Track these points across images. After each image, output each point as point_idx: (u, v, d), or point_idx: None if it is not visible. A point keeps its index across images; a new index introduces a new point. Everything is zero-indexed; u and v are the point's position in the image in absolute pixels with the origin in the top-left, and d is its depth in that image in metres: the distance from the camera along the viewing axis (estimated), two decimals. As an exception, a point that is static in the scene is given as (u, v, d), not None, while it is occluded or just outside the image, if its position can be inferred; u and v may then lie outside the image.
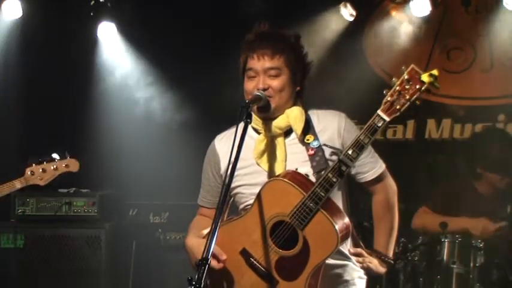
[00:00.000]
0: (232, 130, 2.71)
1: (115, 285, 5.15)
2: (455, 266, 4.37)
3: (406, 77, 2.53)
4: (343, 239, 2.70)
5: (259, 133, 2.90)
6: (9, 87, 5.86)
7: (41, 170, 3.99)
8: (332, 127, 2.88)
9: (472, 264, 4.36)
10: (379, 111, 2.59)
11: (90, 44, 6.05)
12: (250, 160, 2.86)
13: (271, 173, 2.83)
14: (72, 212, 5.15)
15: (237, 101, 2.70)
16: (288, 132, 2.87)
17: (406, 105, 2.56)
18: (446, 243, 4.43)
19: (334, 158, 2.71)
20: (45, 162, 4.01)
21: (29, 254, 5.05)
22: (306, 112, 2.89)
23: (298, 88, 2.89)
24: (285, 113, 2.85)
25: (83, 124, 5.92)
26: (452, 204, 4.70)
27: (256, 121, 2.87)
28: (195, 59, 5.89)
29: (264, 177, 2.83)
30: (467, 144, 5.42)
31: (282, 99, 2.83)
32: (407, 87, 2.54)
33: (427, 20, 5.90)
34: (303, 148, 2.83)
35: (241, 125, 2.62)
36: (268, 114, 2.83)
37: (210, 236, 2.36)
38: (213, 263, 2.63)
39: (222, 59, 5.85)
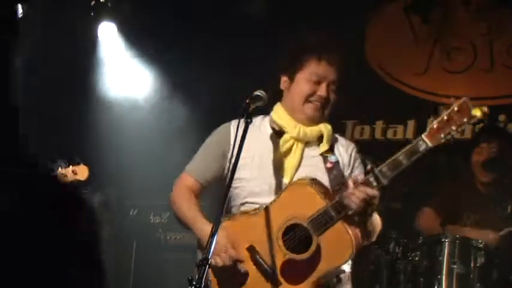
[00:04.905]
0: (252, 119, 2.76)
1: (115, 285, 5.15)
2: (455, 266, 4.37)
3: (456, 108, 2.57)
4: (356, 251, 2.70)
5: (277, 132, 2.91)
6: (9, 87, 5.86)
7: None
8: (347, 154, 2.95)
9: (472, 264, 4.35)
10: (423, 136, 2.63)
11: (90, 44, 6.05)
12: (256, 154, 2.88)
13: (278, 175, 2.85)
14: (73, 212, 5.15)
15: (239, 101, 2.70)
16: (309, 142, 2.92)
17: (451, 135, 2.59)
18: (446, 243, 4.42)
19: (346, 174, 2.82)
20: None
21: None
22: None
23: None
24: (319, 125, 2.90)
25: (82, 124, 5.92)
26: (454, 204, 4.70)
27: (287, 120, 2.89)
28: (196, 59, 5.89)
29: (273, 180, 2.83)
30: (467, 144, 5.41)
31: (329, 112, 2.91)
32: (455, 118, 2.57)
33: (427, 20, 5.90)
34: (319, 161, 2.88)
35: (242, 125, 2.64)
36: (308, 120, 2.87)
37: (211, 236, 2.36)
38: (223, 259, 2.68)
39: (223, 59, 5.88)
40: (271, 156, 2.87)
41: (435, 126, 2.58)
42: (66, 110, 5.92)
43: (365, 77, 5.84)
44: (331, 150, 2.91)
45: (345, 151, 2.96)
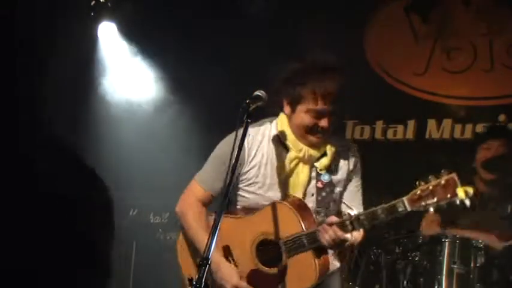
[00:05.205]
0: (262, 128, 2.92)
1: (115, 285, 5.14)
2: (455, 266, 4.37)
3: (442, 182, 2.59)
4: (319, 281, 2.82)
5: (287, 148, 2.95)
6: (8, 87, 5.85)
7: None
8: (346, 155, 3.01)
9: (472, 265, 4.35)
10: (404, 199, 2.65)
11: (90, 44, 6.05)
12: (268, 169, 2.92)
13: (285, 192, 2.92)
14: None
15: (239, 103, 2.71)
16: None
17: (431, 206, 2.61)
18: (446, 243, 4.42)
19: (338, 191, 2.91)
20: None
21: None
22: None
23: None
24: (325, 148, 2.93)
25: (82, 124, 5.92)
26: (457, 216, 4.70)
27: (293, 141, 2.92)
28: (196, 59, 5.89)
29: (278, 192, 2.91)
30: (468, 144, 5.41)
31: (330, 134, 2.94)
32: (439, 191, 2.60)
33: (427, 20, 5.90)
34: (315, 173, 2.93)
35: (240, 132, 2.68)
36: (315, 142, 2.90)
37: (210, 237, 2.38)
38: None
39: (223, 60, 5.88)
40: (277, 171, 2.93)
41: (418, 192, 2.63)
42: (65, 109, 5.92)
43: (365, 76, 5.84)
44: (329, 167, 2.95)
45: (350, 157, 3.02)
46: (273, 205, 2.84)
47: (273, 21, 5.92)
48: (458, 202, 2.57)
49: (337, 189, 2.94)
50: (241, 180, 2.94)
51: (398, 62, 6.07)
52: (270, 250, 2.83)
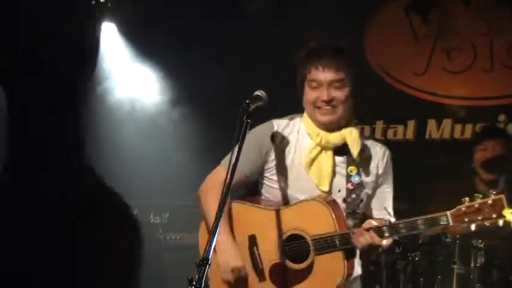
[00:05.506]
0: (291, 122, 2.93)
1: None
2: (455, 266, 4.37)
3: (490, 202, 2.61)
4: (342, 282, 2.78)
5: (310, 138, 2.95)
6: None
7: None
8: (377, 158, 2.98)
9: (472, 265, 4.36)
10: (448, 213, 2.68)
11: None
12: (296, 163, 2.92)
13: (315, 183, 2.89)
14: (73, 212, 5.15)
15: (239, 102, 2.71)
16: (339, 151, 2.92)
17: (475, 223, 2.63)
18: (446, 243, 4.43)
19: (370, 192, 2.88)
20: None
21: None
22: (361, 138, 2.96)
23: (355, 101, 2.95)
24: (342, 130, 2.90)
25: (82, 124, 5.91)
26: (453, 205, 4.70)
27: (311, 128, 2.92)
28: (196, 60, 5.89)
29: (308, 185, 2.88)
30: (468, 145, 5.41)
31: (345, 111, 2.89)
32: (486, 210, 2.62)
33: (427, 20, 5.90)
34: (346, 174, 2.91)
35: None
36: (328, 126, 2.89)
37: (211, 235, 2.37)
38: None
39: (224, 60, 5.88)
40: (312, 168, 2.90)
41: (463, 209, 2.65)
42: (65, 109, 5.91)
43: (365, 77, 5.83)
44: (356, 163, 2.90)
45: (381, 160, 2.98)
46: (309, 201, 2.82)
47: (273, 21, 5.92)
48: (501, 223, 2.58)
49: (365, 191, 2.91)
50: (268, 169, 2.95)
51: (398, 62, 6.07)
52: (297, 246, 2.80)
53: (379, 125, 5.93)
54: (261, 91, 2.78)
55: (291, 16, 5.94)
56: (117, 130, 5.94)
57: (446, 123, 5.87)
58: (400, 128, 5.96)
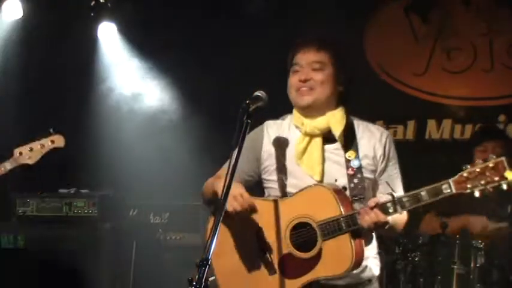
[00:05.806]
0: (284, 122, 2.91)
1: (115, 285, 5.14)
2: (455, 267, 4.37)
3: (491, 165, 2.54)
4: (354, 268, 2.72)
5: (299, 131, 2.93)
6: (9, 87, 5.86)
7: (28, 149, 4.01)
8: (374, 140, 2.92)
9: (472, 265, 4.35)
10: (450, 180, 2.59)
11: (90, 44, 6.05)
12: (290, 158, 2.89)
13: (308, 174, 2.85)
14: (73, 213, 5.15)
15: (239, 102, 2.70)
16: (331, 138, 2.88)
17: (478, 189, 2.56)
18: (446, 243, 4.43)
19: (370, 176, 2.83)
20: (31, 142, 4.03)
21: (29, 255, 5.05)
22: (348, 119, 2.92)
23: (341, 88, 2.91)
24: (326, 114, 2.87)
25: (82, 124, 5.92)
26: (453, 205, 4.70)
27: (297, 118, 2.91)
28: (196, 59, 5.89)
29: (302, 177, 2.85)
30: (467, 145, 5.41)
31: (323, 94, 2.85)
32: (487, 173, 2.55)
33: (427, 20, 5.90)
34: (341, 161, 2.86)
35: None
36: (309, 110, 2.86)
37: (211, 235, 2.37)
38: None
39: (224, 59, 5.88)
40: (303, 159, 2.88)
41: (465, 175, 2.56)
42: (66, 109, 5.92)
43: (365, 77, 5.84)
44: (354, 146, 2.87)
45: (378, 141, 2.93)
46: (312, 188, 2.78)
47: (273, 21, 5.92)
48: (505, 187, 2.52)
49: (366, 174, 2.85)
50: (264, 171, 2.94)
51: (398, 62, 6.07)
52: (304, 234, 2.74)
53: (379, 125, 5.90)
54: (261, 91, 2.77)
55: (291, 16, 5.94)
56: (117, 130, 5.94)
57: (446, 123, 5.87)
58: (400, 128, 5.96)
